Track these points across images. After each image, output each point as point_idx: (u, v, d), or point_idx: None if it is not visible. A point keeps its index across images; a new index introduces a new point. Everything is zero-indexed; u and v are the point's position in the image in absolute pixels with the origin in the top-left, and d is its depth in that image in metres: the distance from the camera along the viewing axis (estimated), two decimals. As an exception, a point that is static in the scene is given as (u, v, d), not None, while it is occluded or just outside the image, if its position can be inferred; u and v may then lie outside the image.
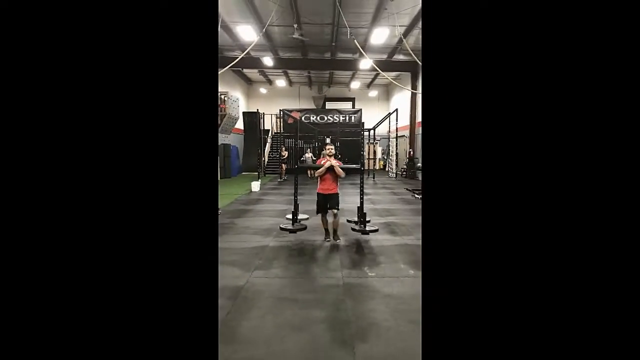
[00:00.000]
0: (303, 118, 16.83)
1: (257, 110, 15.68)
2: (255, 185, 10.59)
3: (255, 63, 13.89)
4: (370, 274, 3.74)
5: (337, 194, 4.80)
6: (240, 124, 17.20)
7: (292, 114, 16.28)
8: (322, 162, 4.85)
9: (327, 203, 4.76)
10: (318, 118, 17.10)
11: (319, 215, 4.91)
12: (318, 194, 4.83)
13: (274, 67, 14.47)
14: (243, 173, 16.34)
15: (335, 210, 4.75)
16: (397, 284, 3.45)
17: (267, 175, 15.37)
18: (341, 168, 4.75)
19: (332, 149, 4.85)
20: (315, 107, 19.57)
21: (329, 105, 19.91)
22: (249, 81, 20.16)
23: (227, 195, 9.27)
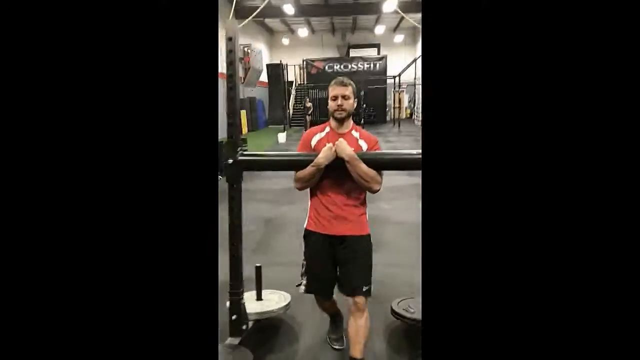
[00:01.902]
0: (326, 67, 16.65)
1: (280, 61, 15.64)
2: (282, 137, 11.02)
3: (276, 12, 13.70)
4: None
5: (365, 237, 1.67)
6: (264, 77, 17.22)
7: (315, 64, 16.16)
8: (314, 142, 1.68)
9: (334, 267, 1.68)
10: (342, 67, 16.86)
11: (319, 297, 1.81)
12: (308, 234, 1.70)
13: (295, 16, 14.24)
14: (269, 126, 16.69)
15: (360, 297, 1.61)
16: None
17: (292, 127, 15.70)
18: (375, 161, 1.60)
19: (345, 96, 1.60)
20: (339, 56, 19.22)
21: (353, 53, 19.44)
22: (271, 32, 19.79)
23: (255, 147, 9.75)
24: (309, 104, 14.41)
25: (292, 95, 17.46)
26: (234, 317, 1.71)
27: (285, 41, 20.03)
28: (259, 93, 16.77)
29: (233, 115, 1.72)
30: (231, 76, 1.71)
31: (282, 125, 14.36)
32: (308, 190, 1.69)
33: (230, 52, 1.70)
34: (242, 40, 14.94)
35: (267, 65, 17.31)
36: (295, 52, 18.72)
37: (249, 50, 14.94)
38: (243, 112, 14.37)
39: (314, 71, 16.03)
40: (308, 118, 14.35)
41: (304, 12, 14.06)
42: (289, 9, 13.15)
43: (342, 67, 16.90)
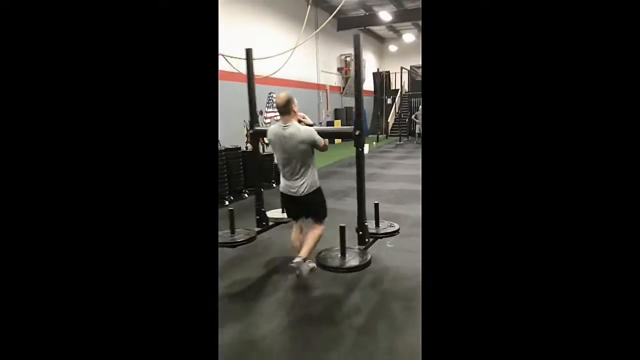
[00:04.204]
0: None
1: (378, 69, 15.63)
2: (365, 148, 10.72)
3: (377, 19, 13.70)
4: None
5: None
6: (370, 86, 17.45)
7: (419, 71, 15.69)
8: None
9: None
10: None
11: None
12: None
13: (399, 21, 14.04)
14: (370, 135, 16.72)
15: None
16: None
17: (390, 136, 15.64)
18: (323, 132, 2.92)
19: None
20: None
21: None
22: (380, 39, 19.87)
23: (329, 157, 9.44)
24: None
25: (395, 105, 17.33)
26: (360, 232, 2.90)
27: (393, 48, 19.86)
28: (365, 102, 16.90)
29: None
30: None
31: (376, 135, 14.36)
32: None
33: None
34: (344, 50, 15.48)
35: (374, 74, 17.43)
36: (406, 58, 18.22)
37: (350, 60, 15.25)
38: (337, 122, 14.77)
39: (418, 78, 15.61)
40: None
41: (407, 16, 13.73)
42: (385, 16, 12.96)
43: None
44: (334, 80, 15.02)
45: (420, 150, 3.91)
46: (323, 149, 2.79)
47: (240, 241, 3.03)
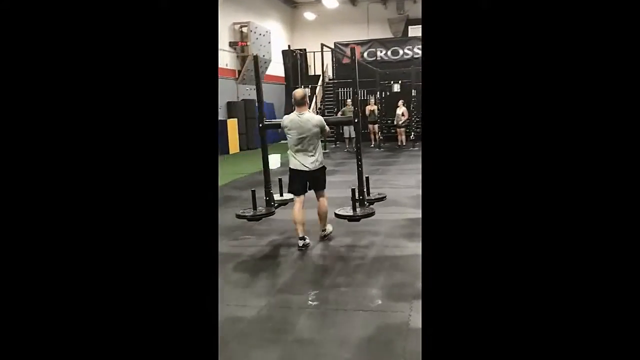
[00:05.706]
0: (366, 54, 17.11)
1: (289, 45, 15.56)
2: (275, 161, 10.95)
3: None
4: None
5: None
6: (280, 70, 17.74)
7: (347, 50, 16.06)
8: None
9: None
10: (390, 53, 17.28)
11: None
12: None
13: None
14: (281, 142, 16.98)
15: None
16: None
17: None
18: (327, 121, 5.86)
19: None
20: (392, 36, 19.53)
21: (413, 32, 19.38)
22: (291, 3, 20.16)
23: (222, 176, 9.78)
24: (372, 107, 14.42)
25: (316, 97, 17.75)
26: (360, 197, 5.64)
27: (310, 16, 19.95)
28: (269, 92, 17.05)
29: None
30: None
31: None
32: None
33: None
34: (237, 17, 15.28)
35: (284, 53, 17.49)
36: (330, 32, 18.60)
37: (247, 31, 15.10)
38: (232, 122, 14.39)
39: (345, 60, 16.16)
40: (375, 127, 14.55)
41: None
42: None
43: (390, 53, 17.17)
44: (226, 60, 15.00)
45: (353, 160, 6.49)
46: (327, 134, 5.77)
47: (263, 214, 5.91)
